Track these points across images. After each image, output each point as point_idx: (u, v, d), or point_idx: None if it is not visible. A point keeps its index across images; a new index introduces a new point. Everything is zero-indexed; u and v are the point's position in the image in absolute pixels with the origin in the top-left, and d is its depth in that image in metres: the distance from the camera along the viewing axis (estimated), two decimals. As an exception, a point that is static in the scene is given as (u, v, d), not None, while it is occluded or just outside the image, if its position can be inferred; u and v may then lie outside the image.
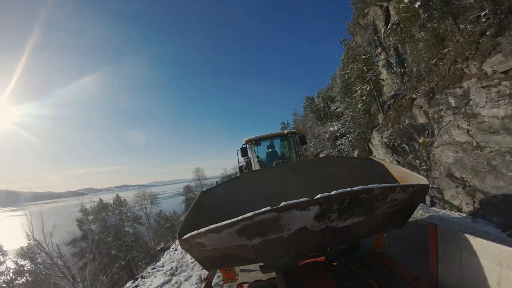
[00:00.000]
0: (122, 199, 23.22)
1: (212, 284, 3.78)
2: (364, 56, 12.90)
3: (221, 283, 5.62)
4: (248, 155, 8.51)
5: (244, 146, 8.56)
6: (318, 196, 2.34)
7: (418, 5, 8.77)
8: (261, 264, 3.65)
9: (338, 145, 19.35)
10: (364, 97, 13.97)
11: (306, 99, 31.55)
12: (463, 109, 6.43)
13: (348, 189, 2.42)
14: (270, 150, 9.14)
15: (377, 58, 13.84)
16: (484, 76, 5.76)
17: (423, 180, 3.27)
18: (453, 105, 6.76)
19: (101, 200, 22.33)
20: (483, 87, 5.69)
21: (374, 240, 3.83)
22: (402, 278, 3.17)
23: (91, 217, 21.31)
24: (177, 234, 2.95)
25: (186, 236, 2.72)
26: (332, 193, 2.36)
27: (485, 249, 2.58)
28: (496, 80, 5.43)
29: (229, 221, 2.41)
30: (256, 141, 8.86)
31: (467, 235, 2.80)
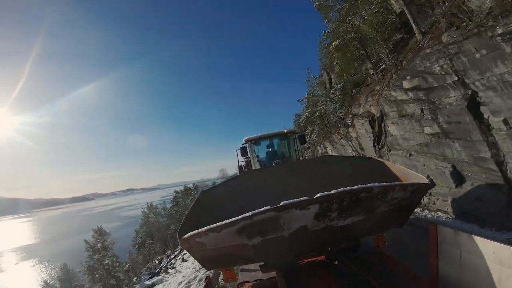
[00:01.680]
0: (195, 187, 36.02)
1: (213, 284, 3.78)
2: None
3: (221, 283, 5.62)
4: (247, 155, 8.46)
5: (244, 145, 8.52)
6: (318, 195, 2.33)
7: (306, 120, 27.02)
8: (261, 263, 3.65)
9: (307, 152, 26.58)
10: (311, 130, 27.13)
11: (295, 115, 38.10)
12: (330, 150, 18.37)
13: (348, 188, 2.40)
14: (270, 149, 9.09)
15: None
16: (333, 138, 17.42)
17: (423, 179, 3.26)
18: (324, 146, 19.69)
19: (185, 186, 35.39)
20: (329, 142, 18.68)
21: (374, 239, 3.82)
22: (402, 277, 3.17)
23: (180, 195, 34.87)
24: (177, 234, 2.94)
25: (186, 236, 2.71)
26: (332, 192, 2.35)
27: (485, 248, 2.57)
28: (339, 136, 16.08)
29: (229, 220, 2.40)
30: (256, 141, 8.81)
31: (467, 234, 2.79)
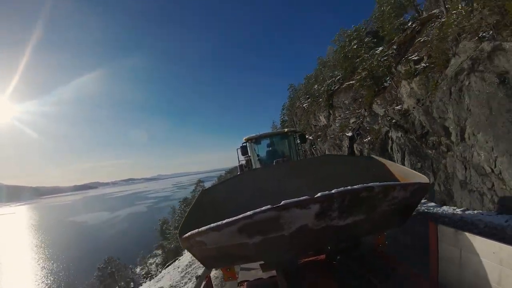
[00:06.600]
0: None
1: (213, 283, 3.78)
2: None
3: (221, 281, 5.63)
4: (248, 154, 8.46)
5: (244, 144, 8.52)
6: (319, 194, 2.33)
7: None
8: (262, 262, 3.66)
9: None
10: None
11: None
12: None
13: (349, 187, 2.40)
14: (270, 148, 9.09)
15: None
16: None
17: (424, 179, 3.25)
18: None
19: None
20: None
21: (375, 238, 3.83)
22: (403, 276, 3.18)
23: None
24: (178, 233, 2.94)
25: (186, 235, 2.71)
26: (333, 191, 2.34)
27: (485, 248, 2.58)
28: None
29: (230, 219, 2.40)
30: (257, 140, 8.80)
31: (467, 234, 2.80)
